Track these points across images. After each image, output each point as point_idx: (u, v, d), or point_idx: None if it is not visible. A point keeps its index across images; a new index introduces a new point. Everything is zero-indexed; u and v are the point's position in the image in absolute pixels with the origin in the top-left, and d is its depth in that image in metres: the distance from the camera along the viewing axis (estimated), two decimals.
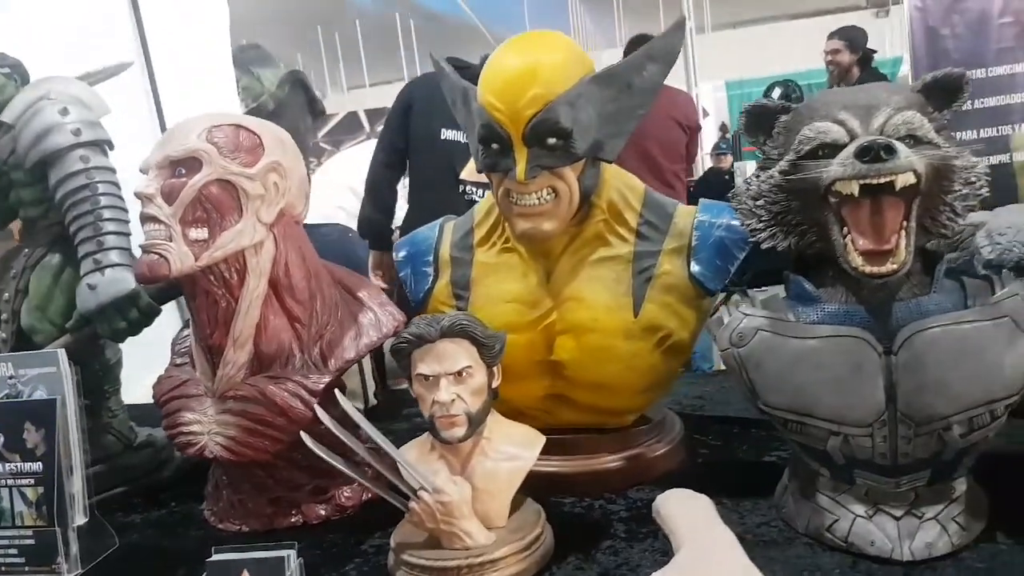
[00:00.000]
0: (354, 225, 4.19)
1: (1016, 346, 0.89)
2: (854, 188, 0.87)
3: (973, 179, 0.94)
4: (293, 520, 1.21)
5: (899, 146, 0.85)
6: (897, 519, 0.93)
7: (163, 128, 3.63)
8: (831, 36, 4.09)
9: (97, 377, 1.48)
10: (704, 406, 1.63)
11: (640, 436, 1.26)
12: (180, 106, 3.69)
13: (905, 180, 0.86)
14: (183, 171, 1.12)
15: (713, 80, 9.64)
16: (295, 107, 5.54)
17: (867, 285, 0.92)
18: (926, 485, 0.93)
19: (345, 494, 1.23)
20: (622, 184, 1.23)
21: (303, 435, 1.01)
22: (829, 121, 0.92)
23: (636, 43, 3.30)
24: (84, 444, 1.26)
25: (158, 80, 3.59)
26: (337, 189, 4.26)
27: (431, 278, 1.31)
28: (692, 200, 1.27)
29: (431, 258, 1.32)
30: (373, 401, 1.87)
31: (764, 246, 1.03)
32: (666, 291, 1.18)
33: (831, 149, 0.91)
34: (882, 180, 0.85)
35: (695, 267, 1.18)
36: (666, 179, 3.22)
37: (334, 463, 0.99)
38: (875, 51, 4.21)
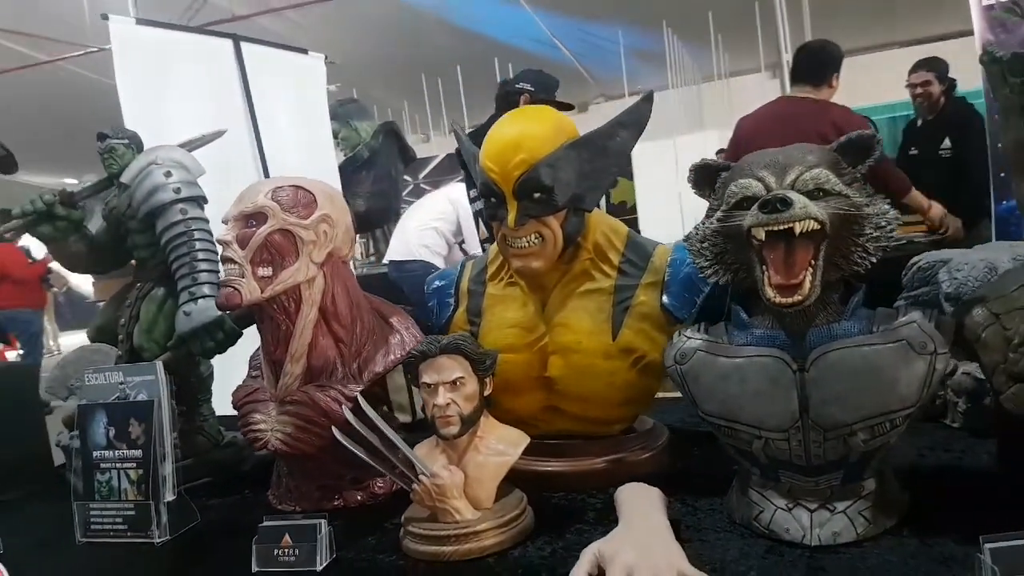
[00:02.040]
0: (437, 261, 4.51)
1: (910, 365, 1.05)
2: (761, 234, 1.06)
3: (884, 223, 1.11)
4: (335, 503, 1.47)
5: (795, 198, 1.04)
6: (811, 511, 1.10)
7: (266, 177, 4.09)
8: (918, 68, 4.09)
9: (192, 388, 1.81)
10: (700, 424, 1.79)
11: (625, 443, 1.46)
12: (281, 159, 4.15)
13: (804, 226, 1.04)
14: (253, 223, 1.41)
15: None
16: (387, 154, 6.00)
17: (787, 313, 1.11)
18: (840, 484, 1.10)
19: (379, 484, 1.49)
20: (607, 228, 1.45)
21: (335, 431, 1.27)
22: (751, 178, 1.12)
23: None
24: (175, 437, 1.59)
25: (263, 135, 4.05)
26: (421, 229, 4.61)
27: (452, 308, 1.57)
28: None
29: (453, 290, 1.58)
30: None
31: (709, 281, 1.23)
32: (641, 319, 1.39)
33: (751, 201, 1.10)
34: (781, 227, 1.04)
35: (666, 298, 1.39)
36: None
37: (358, 452, 1.25)
38: (955, 80, 4.18)
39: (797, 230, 1.04)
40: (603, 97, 14.94)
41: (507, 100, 3.44)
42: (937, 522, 1.09)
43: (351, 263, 1.64)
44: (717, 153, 4.88)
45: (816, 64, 3.48)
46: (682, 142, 10.11)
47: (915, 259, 1.53)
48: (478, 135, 1.45)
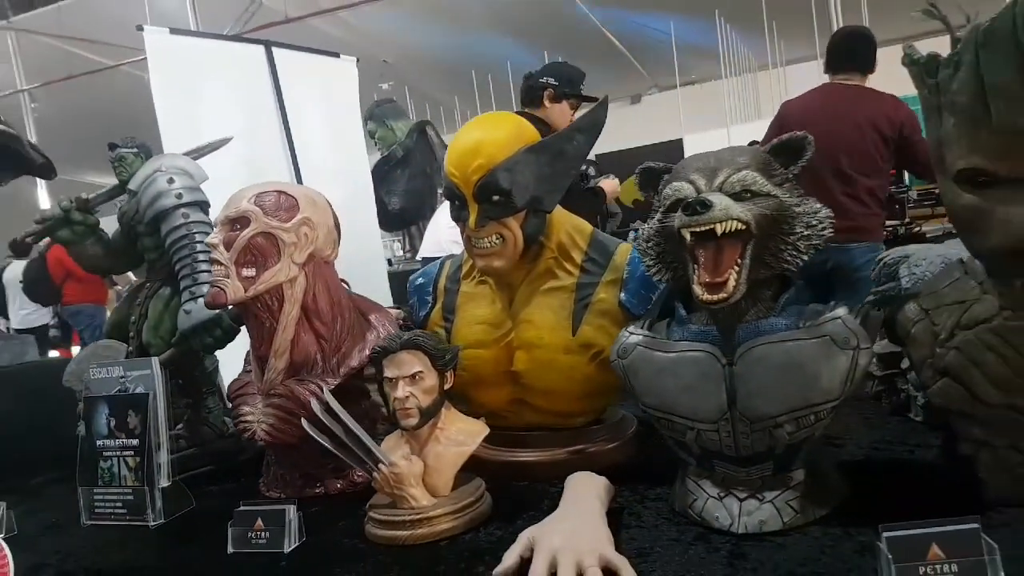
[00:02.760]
0: None
1: (832, 360, 1.08)
2: (687, 234, 1.11)
3: (815, 223, 1.14)
4: (317, 490, 1.57)
5: (715, 201, 1.07)
6: (741, 500, 1.14)
7: (299, 178, 4.23)
8: None
9: (197, 382, 1.93)
10: None
11: (589, 434, 1.51)
12: (312, 160, 4.29)
13: (726, 227, 1.08)
14: (238, 226, 1.51)
15: None
16: (422, 152, 6.11)
17: (719, 309, 1.15)
18: (771, 475, 1.14)
19: (358, 473, 1.56)
20: (571, 228, 1.51)
21: (303, 422, 1.36)
22: (684, 180, 1.16)
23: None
24: (180, 428, 1.70)
25: (295, 137, 4.19)
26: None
27: (430, 305, 1.64)
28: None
29: (431, 288, 1.65)
30: None
31: (655, 279, 1.28)
32: (600, 315, 1.44)
33: (682, 203, 1.15)
34: (702, 228, 1.08)
35: (623, 295, 1.43)
36: (858, 195, 3.09)
37: (323, 442, 1.33)
38: None
39: (719, 231, 1.08)
40: (656, 88, 14.83)
41: (531, 94, 3.47)
42: (870, 513, 1.11)
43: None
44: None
45: (866, 50, 3.40)
46: (736, 132, 10.02)
47: (882, 255, 1.54)
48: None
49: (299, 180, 4.24)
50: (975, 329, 1.07)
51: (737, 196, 1.11)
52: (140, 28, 3.68)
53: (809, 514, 1.12)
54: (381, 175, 5.30)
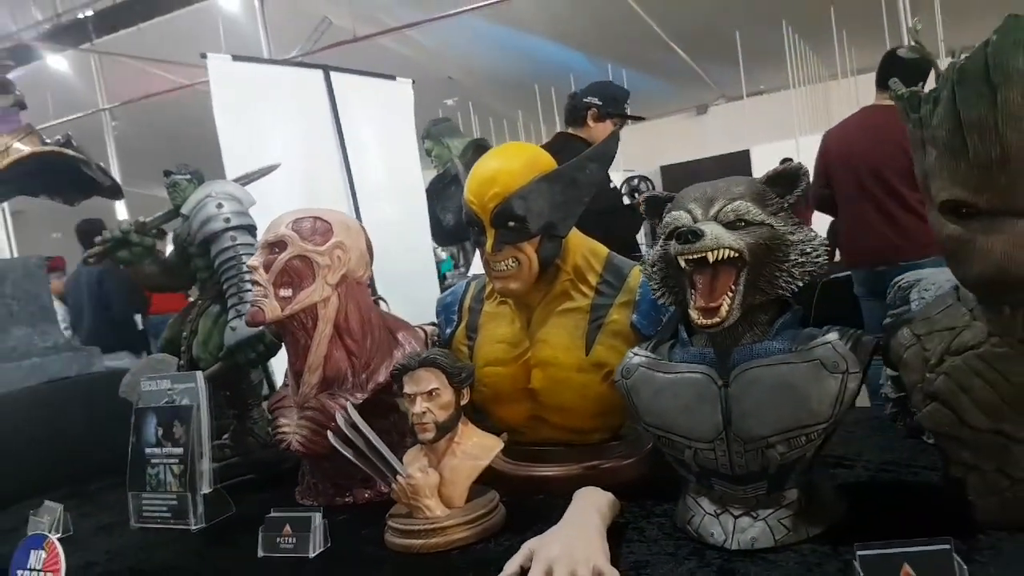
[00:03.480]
0: None
1: (822, 383, 1.12)
2: (682, 261, 1.16)
3: (809, 250, 1.18)
4: (347, 499, 1.66)
5: (707, 230, 1.13)
6: (736, 517, 1.18)
7: (355, 197, 4.38)
8: None
9: (243, 394, 2.05)
10: None
11: (605, 451, 1.57)
12: (368, 180, 4.45)
13: (718, 255, 1.13)
14: (276, 250, 1.62)
15: None
16: None
17: (716, 332, 1.19)
18: (765, 493, 1.18)
19: (384, 487, 1.66)
20: (587, 251, 1.57)
21: (328, 434, 1.45)
22: (682, 210, 1.21)
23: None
24: (226, 438, 1.81)
25: (351, 158, 4.35)
26: None
27: (455, 323, 1.72)
28: None
29: (456, 308, 1.74)
30: None
31: (659, 302, 1.33)
32: (613, 336, 1.50)
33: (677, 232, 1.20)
34: (694, 256, 1.13)
35: (635, 317, 1.49)
36: (916, 211, 3.14)
37: (346, 453, 1.42)
38: None
39: (711, 258, 1.13)
40: (724, 98, 14.73)
41: (575, 114, 3.54)
42: (863, 533, 1.14)
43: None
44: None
45: (914, 70, 3.39)
46: (805, 142, 9.90)
47: (897, 279, 1.56)
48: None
49: (355, 200, 4.41)
50: (964, 355, 1.09)
51: (731, 225, 1.16)
52: (204, 56, 3.90)
53: (801, 532, 1.16)
54: (436, 191, 5.45)
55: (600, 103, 3.46)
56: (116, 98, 13.33)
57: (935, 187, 1.06)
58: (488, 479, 1.47)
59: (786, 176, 1.21)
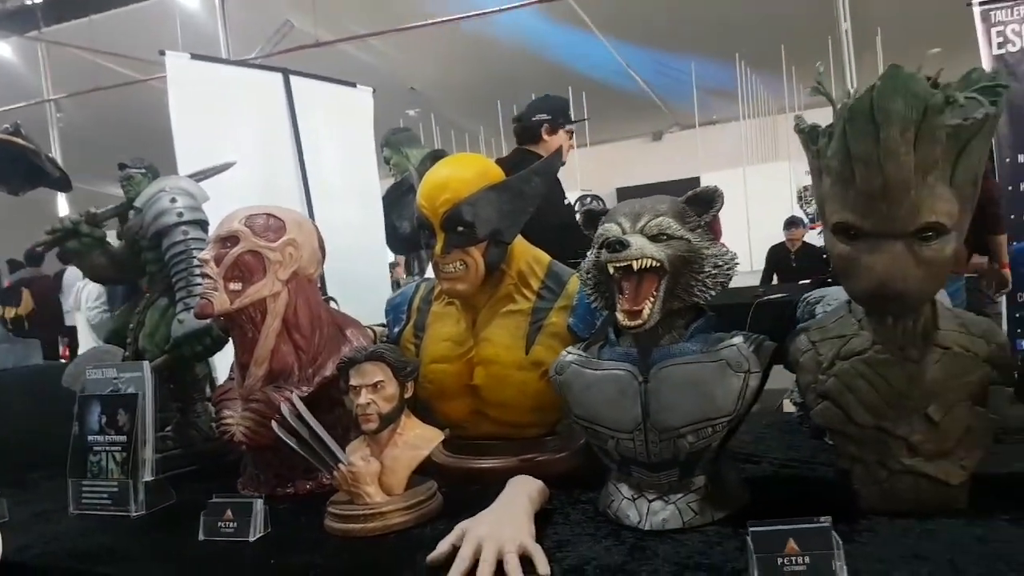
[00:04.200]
0: None
1: (727, 381, 1.25)
2: (611, 268, 1.28)
3: (721, 263, 1.31)
4: (288, 490, 1.72)
5: (632, 241, 1.24)
6: (650, 501, 1.30)
7: (309, 199, 4.41)
8: None
9: (187, 387, 2.10)
10: None
11: (541, 445, 1.67)
12: (325, 184, 4.49)
13: (641, 263, 1.25)
14: (228, 244, 1.69)
15: None
16: None
17: (639, 333, 1.31)
18: (677, 479, 1.30)
19: (326, 476, 1.73)
20: (531, 258, 1.69)
21: (273, 424, 1.53)
22: (612, 223, 1.33)
23: None
24: (169, 430, 1.86)
25: (308, 163, 4.39)
26: None
27: (404, 322, 1.81)
28: None
29: (405, 307, 1.83)
30: None
31: (592, 305, 1.44)
32: (551, 337, 1.61)
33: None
34: (621, 263, 1.25)
35: (572, 320, 1.61)
36: None
37: (289, 442, 1.50)
38: None
39: (635, 267, 1.25)
40: (678, 126, 15.08)
41: (528, 133, 3.64)
42: (762, 517, 1.25)
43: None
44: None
45: None
46: (752, 171, 10.23)
47: (806, 295, 1.71)
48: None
49: (309, 202, 4.45)
50: (851, 360, 1.23)
51: (654, 238, 1.28)
52: (162, 53, 3.91)
53: (707, 515, 1.28)
54: (393, 200, 5.51)
55: (549, 117, 3.58)
56: (63, 89, 12.99)
57: (828, 211, 1.20)
58: (431, 471, 1.57)
59: (704, 197, 1.34)
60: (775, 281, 7.11)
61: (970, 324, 1.26)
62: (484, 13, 10.09)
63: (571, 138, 3.61)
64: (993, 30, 4.40)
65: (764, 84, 11.12)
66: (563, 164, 3.59)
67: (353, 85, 4.88)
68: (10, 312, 8.17)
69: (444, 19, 10.37)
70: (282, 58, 9.98)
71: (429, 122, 12.84)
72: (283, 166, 4.38)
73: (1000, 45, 4.38)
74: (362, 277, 3.99)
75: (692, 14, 10.49)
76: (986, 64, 4.10)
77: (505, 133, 12.12)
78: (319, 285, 3.95)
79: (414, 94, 13.04)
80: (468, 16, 10.27)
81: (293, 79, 4.45)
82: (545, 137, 3.54)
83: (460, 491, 1.56)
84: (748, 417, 1.79)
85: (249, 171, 3.90)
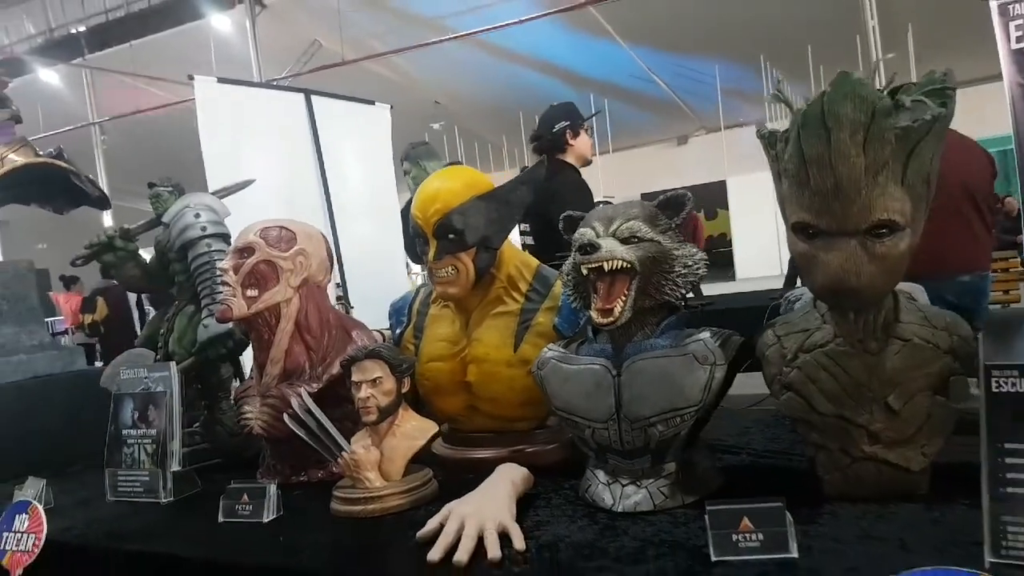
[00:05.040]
0: None
1: (693, 373, 1.34)
2: (584, 269, 1.38)
3: (691, 263, 1.40)
4: (302, 478, 1.85)
5: (602, 244, 1.34)
6: (624, 486, 1.39)
7: (331, 214, 4.57)
8: None
9: (213, 387, 2.24)
10: None
11: (530, 437, 1.77)
12: (345, 198, 4.65)
13: (612, 265, 1.34)
14: (245, 255, 1.82)
15: None
16: None
17: (613, 330, 1.41)
18: (649, 466, 1.39)
19: (333, 465, 1.85)
20: (519, 262, 1.79)
21: (285, 416, 1.65)
22: (587, 227, 1.43)
23: None
24: (198, 426, 2.00)
25: (329, 178, 4.56)
26: None
27: (405, 324, 1.93)
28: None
29: (406, 311, 1.94)
30: None
31: (572, 305, 1.54)
32: (538, 336, 1.71)
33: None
34: (592, 264, 1.35)
35: (557, 320, 1.71)
36: (987, 223, 3.39)
37: (299, 432, 1.62)
38: None
39: (606, 268, 1.34)
40: (703, 130, 15.07)
41: (554, 145, 3.73)
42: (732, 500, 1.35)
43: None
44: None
45: None
46: None
47: (787, 294, 1.78)
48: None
49: (331, 216, 4.62)
50: (813, 352, 1.31)
51: (626, 240, 1.37)
52: (191, 78, 4.11)
53: (677, 499, 1.37)
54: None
55: (568, 123, 3.68)
56: (106, 113, 13.44)
57: (788, 211, 1.28)
58: (430, 462, 1.68)
59: (675, 201, 1.43)
60: (798, 284, 7.09)
61: (933, 317, 1.32)
62: (505, 25, 10.26)
63: (590, 137, 3.74)
64: (1012, 24, 4.38)
65: (791, 85, 11.09)
66: (589, 163, 3.75)
67: (371, 103, 5.05)
68: (88, 318, 8.79)
69: (465, 33, 10.55)
70: (310, 77, 10.25)
71: (453, 135, 13.02)
72: (306, 183, 4.56)
73: (1019, 39, 4.34)
74: (381, 285, 4.13)
75: (715, 17, 10.51)
76: (1004, 60, 4.06)
77: (527, 143, 12.27)
78: (340, 292, 4.12)
79: (438, 108, 13.25)
80: (489, 29, 10.44)
81: (314, 98, 4.64)
82: (571, 142, 3.65)
83: (456, 479, 1.66)
84: (735, 413, 1.90)
85: (274, 188, 4.09)
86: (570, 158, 3.60)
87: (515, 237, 2.20)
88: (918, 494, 1.30)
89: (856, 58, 9.80)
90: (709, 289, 7.03)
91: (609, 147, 12.38)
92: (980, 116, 8.27)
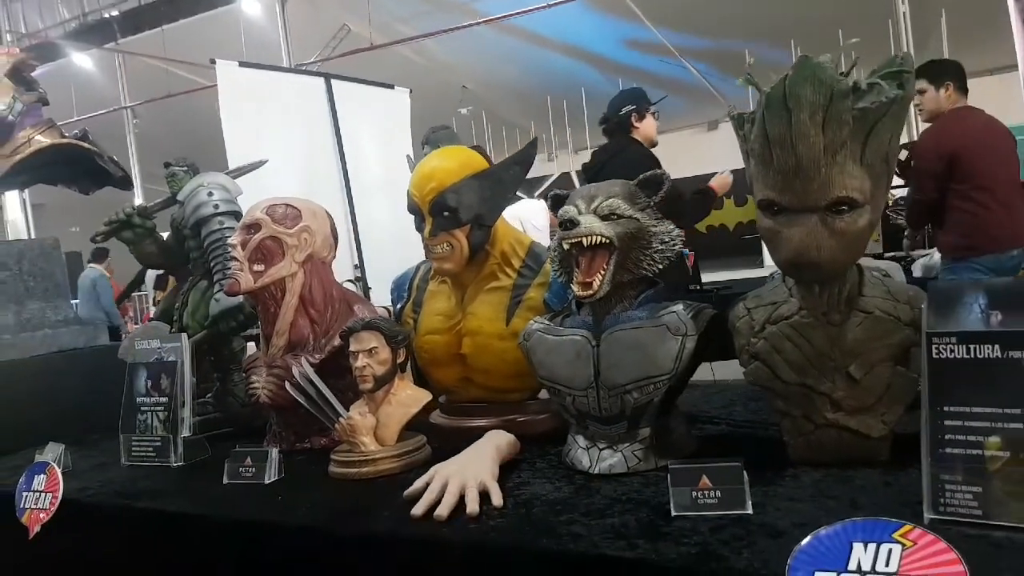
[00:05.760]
0: None
1: (666, 343, 1.41)
2: (565, 244, 1.45)
3: (667, 239, 1.47)
4: (305, 445, 1.94)
5: (582, 220, 1.41)
6: (600, 450, 1.46)
7: (350, 196, 4.66)
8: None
9: (225, 359, 2.35)
10: None
11: (522, 407, 1.85)
12: (363, 180, 4.75)
13: (591, 240, 1.41)
14: (252, 231, 1.92)
15: None
16: None
17: (593, 303, 1.48)
18: (625, 431, 1.46)
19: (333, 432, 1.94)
20: (513, 239, 1.86)
21: (286, 384, 1.75)
22: (571, 204, 1.50)
23: None
24: (209, 396, 2.11)
25: (348, 160, 4.66)
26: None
27: (405, 299, 2.01)
28: None
29: (407, 286, 2.03)
30: None
31: (558, 280, 1.62)
32: (529, 310, 1.78)
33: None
34: (572, 240, 1.42)
35: (547, 295, 1.78)
36: None
37: (299, 399, 1.71)
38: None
39: (585, 243, 1.42)
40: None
41: (621, 127, 3.89)
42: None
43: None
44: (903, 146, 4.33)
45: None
46: None
47: (773, 272, 1.83)
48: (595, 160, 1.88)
49: (350, 197, 4.72)
50: (779, 324, 1.37)
51: (606, 217, 1.44)
52: (213, 61, 4.23)
53: (650, 462, 1.44)
54: None
55: (634, 106, 3.91)
56: (138, 96, 13.65)
57: (755, 189, 1.34)
58: (427, 431, 1.77)
59: (653, 181, 1.49)
60: None
61: (896, 292, 1.37)
62: (533, 10, 10.27)
63: (656, 118, 3.96)
64: None
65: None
66: (655, 145, 3.90)
67: (391, 87, 5.14)
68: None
69: (494, 17, 10.57)
70: (339, 62, 10.35)
71: (481, 120, 13.06)
72: (326, 165, 4.66)
73: None
74: (398, 267, 4.22)
75: (745, 1, 10.42)
76: (1020, 49, 4.07)
77: (555, 128, 12.25)
78: (357, 272, 4.21)
79: (466, 93, 13.29)
80: (518, 13, 10.45)
81: (334, 83, 4.73)
82: (636, 124, 3.90)
83: (451, 447, 1.74)
84: (723, 387, 1.96)
85: (293, 170, 4.20)
86: (638, 137, 3.88)
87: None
88: (878, 460, 1.35)
89: (888, 43, 9.67)
90: (735, 275, 7.05)
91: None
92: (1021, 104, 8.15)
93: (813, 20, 10.11)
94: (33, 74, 2.98)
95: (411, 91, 5.33)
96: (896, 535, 0.92)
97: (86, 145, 2.85)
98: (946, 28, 9.87)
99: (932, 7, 9.84)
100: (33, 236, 10.31)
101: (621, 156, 3.80)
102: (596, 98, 11.77)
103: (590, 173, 3.94)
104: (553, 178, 12.76)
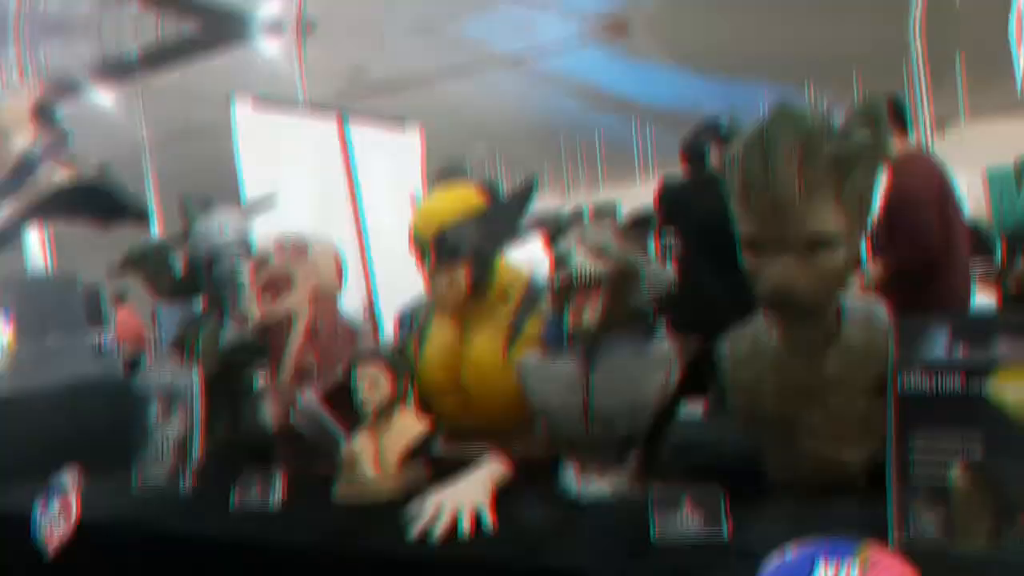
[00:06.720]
0: None
1: (653, 375, 1.48)
2: (558, 280, 1.52)
3: (655, 280, 1.54)
4: (311, 470, 2.00)
5: (576, 257, 1.49)
6: (590, 477, 1.52)
7: (365, 232, 4.77)
8: None
9: (236, 389, 2.42)
10: None
11: (519, 436, 1.90)
12: (376, 217, 4.86)
13: (583, 277, 1.49)
14: (262, 265, 2.01)
15: None
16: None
17: (585, 336, 1.55)
18: (614, 459, 1.52)
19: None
20: (512, 276, 1.94)
21: (292, 413, 1.82)
22: (564, 241, 1.58)
23: None
24: (204, 418, 2.20)
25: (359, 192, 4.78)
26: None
27: (409, 331, 2.09)
28: None
29: (411, 318, 2.11)
30: None
31: (556, 315, 1.69)
32: (527, 343, 1.85)
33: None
34: (564, 276, 1.50)
35: (543, 327, 1.85)
36: None
37: (305, 428, 1.78)
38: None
39: (576, 280, 1.49)
40: None
41: (697, 153, 3.89)
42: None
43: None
44: None
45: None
46: None
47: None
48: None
49: (364, 237, 4.84)
50: (761, 356, 1.44)
51: (597, 255, 1.52)
52: (229, 98, 4.37)
53: (636, 489, 1.50)
54: None
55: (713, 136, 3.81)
56: (159, 132, 13.92)
57: (739, 226, 1.41)
58: (430, 457, 1.83)
59: (642, 221, 1.57)
60: None
61: (875, 325, 1.43)
62: (549, 51, 10.47)
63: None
64: None
65: (838, 110, 11.10)
66: None
67: (402, 123, 5.26)
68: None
69: (510, 57, 10.75)
70: (353, 100, 10.54)
71: (495, 159, 13.22)
72: (338, 202, 4.78)
73: None
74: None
75: (762, 41, 10.56)
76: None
77: (569, 169, 12.39)
78: (370, 308, 4.29)
79: (480, 130, 13.46)
80: (534, 54, 10.64)
81: (347, 118, 4.86)
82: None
83: (451, 471, 1.80)
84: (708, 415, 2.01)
85: (306, 207, 4.32)
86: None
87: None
88: (855, 487, 1.40)
89: (903, 82, 9.77)
90: None
91: (652, 171, 12.42)
92: None
93: (829, 59, 10.20)
94: (55, 110, 3.11)
95: (423, 126, 5.46)
96: (859, 553, 0.98)
97: (106, 181, 2.96)
98: (965, 67, 9.96)
99: (948, 45, 9.94)
100: (54, 267, 10.50)
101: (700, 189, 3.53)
102: (612, 135, 11.91)
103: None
104: (567, 215, 12.86)
